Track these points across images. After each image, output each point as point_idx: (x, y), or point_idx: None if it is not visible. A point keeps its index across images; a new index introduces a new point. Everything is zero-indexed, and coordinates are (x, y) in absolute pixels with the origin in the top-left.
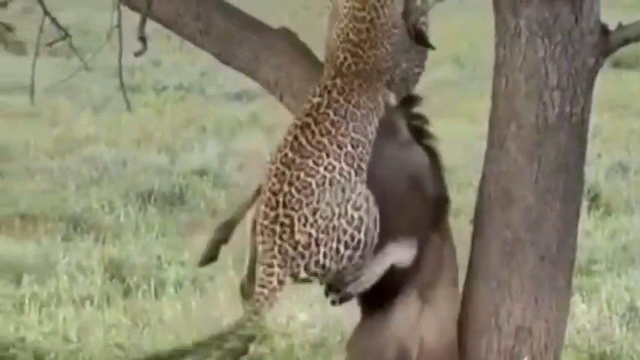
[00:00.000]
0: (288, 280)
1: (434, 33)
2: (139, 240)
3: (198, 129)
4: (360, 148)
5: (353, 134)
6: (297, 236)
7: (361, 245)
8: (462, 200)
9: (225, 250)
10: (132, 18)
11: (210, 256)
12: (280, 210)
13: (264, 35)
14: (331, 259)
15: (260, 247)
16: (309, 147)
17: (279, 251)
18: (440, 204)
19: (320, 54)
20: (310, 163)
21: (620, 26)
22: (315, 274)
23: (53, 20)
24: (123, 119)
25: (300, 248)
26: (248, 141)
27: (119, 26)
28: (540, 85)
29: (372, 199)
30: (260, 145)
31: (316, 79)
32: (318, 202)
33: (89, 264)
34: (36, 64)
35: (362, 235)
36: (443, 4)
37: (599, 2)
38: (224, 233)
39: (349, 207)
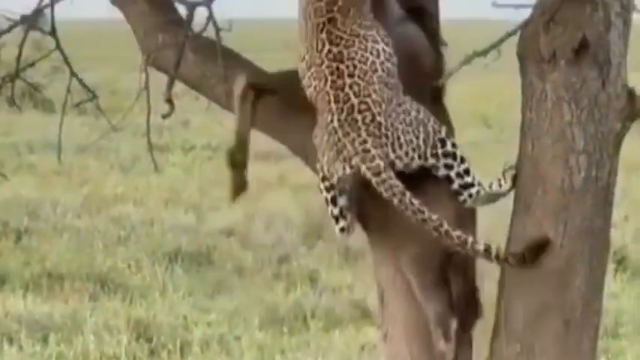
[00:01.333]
0: (384, 163)
1: (462, 94)
2: (166, 300)
3: (226, 189)
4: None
5: (371, 15)
6: (378, 118)
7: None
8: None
9: (251, 311)
10: (160, 78)
11: (240, 187)
12: (354, 100)
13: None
14: (417, 137)
15: (346, 141)
16: (346, 36)
17: (368, 134)
18: (438, 78)
19: None
20: (357, 50)
21: None
22: (407, 155)
23: (80, 81)
24: (151, 179)
25: (383, 129)
26: (275, 201)
27: (147, 87)
28: (566, 149)
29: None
30: (287, 205)
31: None
32: (377, 86)
33: (116, 323)
34: (64, 123)
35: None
36: (470, 65)
37: (625, 67)
38: (242, 157)
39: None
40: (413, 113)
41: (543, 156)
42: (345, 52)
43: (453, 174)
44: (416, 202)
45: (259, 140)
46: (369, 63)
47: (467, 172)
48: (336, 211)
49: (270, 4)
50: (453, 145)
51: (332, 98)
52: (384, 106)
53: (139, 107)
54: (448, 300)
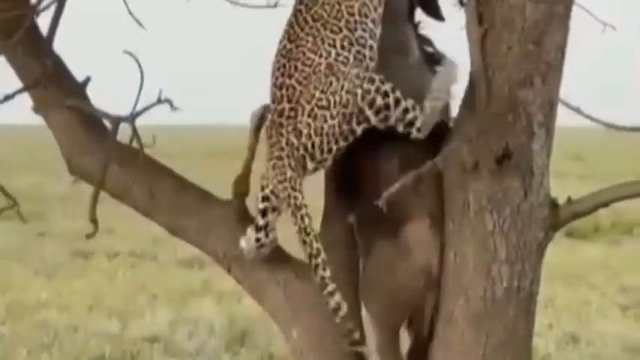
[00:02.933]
0: (299, 171)
1: None
2: None
3: (150, 296)
4: (360, 31)
5: (348, 16)
6: (299, 126)
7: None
8: None
9: None
10: (85, 184)
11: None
12: (285, 104)
13: (213, 207)
14: (329, 149)
15: (269, 143)
16: (302, 35)
17: (287, 143)
18: (441, 132)
19: None
20: (305, 51)
21: (569, 200)
22: (323, 162)
23: (1, 188)
24: (75, 285)
25: (303, 139)
26: (199, 308)
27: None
28: (489, 259)
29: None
30: (211, 312)
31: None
32: (315, 91)
33: None
34: None
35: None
36: None
37: (548, 176)
38: (244, 186)
39: (343, 93)
40: (337, 97)
41: (465, 265)
42: (293, 49)
43: (392, 122)
44: (307, 221)
45: (183, 247)
46: (314, 65)
47: (405, 111)
48: (261, 222)
49: (193, 111)
50: (385, 95)
51: (273, 96)
52: (315, 111)
53: (63, 213)
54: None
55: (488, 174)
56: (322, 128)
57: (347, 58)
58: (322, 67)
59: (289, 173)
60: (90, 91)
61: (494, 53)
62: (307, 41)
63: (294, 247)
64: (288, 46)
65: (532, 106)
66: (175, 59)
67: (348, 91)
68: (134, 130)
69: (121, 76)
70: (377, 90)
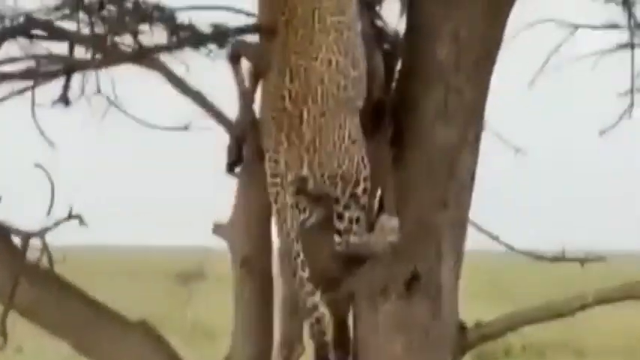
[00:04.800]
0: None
1: None
2: None
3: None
4: (346, 32)
5: (332, 18)
6: (304, 128)
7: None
8: None
9: None
10: None
11: (235, 160)
12: (287, 104)
13: (121, 328)
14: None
15: (265, 140)
16: (300, 40)
17: (287, 139)
18: (383, 110)
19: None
20: (307, 57)
21: (478, 324)
22: (322, 177)
23: None
24: None
25: (306, 142)
26: None
27: None
28: None
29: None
30: None
31: None
32: (318, 98)
33: None
34: None
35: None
36: None
37: (457, 299)
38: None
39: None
40: (347, 141)
41: None
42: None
43: (347, 215)
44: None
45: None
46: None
47: (357, 220)
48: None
49: (104, 232)
50: (364, 191)
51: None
52: (319, 119)
53: None
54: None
55: (397, 297)
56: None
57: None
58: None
59: (280, 192)
60: None
61: (403, 175)
62: (306, 47)
63: None
64: (287, 54)
65: (442, 229)
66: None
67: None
68: (44, 246)
69: (32, 192)
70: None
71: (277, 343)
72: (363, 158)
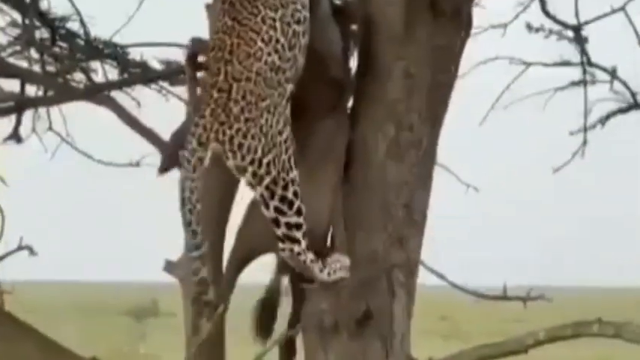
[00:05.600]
0: (213, 145)
1: None
2: None
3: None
4: (292, 6)
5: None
6: (231, 105)
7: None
8: None
9: None
10: None
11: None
12: (221, 77)
13: None
14: (256, 142)
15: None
16: (245, 13)
17: (211, 114)
18: (341, 89)
19: None
20: (247, 30)
21: None
22: (234, 155)
23: None
24: None
25: (232, 119)
26: None
27: None
28: None
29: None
30: None
31: None
32: (251, 74)
33: None
34: None
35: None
36: None
37: (409, 337)
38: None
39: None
40: (274, 131)
41: None
42: (237, 27)
43: (282, 220)
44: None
45: None
46: (254, 48)
47: (298, 227)
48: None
49: (56, 267)
50: (295, 194)
51: (210, 69)
52: (248, 97)
53: None
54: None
55: (349, 335)
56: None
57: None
58: (263, 55)
59: (203, 136)
60: None
61: (355, 213)
62: (249, 20)
63: None
64: (230, 23)
65: (394, 267)
66: (40, 215)
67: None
68: None
69: None
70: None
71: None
72: (290, 159)
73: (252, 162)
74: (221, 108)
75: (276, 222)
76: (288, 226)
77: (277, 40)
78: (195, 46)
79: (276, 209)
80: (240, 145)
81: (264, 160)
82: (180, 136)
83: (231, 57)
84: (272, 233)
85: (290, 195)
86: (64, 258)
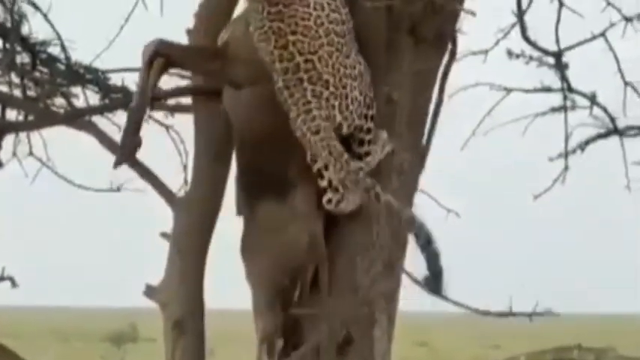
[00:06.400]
0: (326, 124)
1: None
2: None
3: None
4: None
5: None
6: (325, 76)
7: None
8: None
9: None
10: None
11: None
12: (298, 58)
13: None
14: (361, 93)
15: (290, 102)
16: None
17: (313, 94)
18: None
19: None
20: (297, 7)
21: None
22: (351, 115)
23: None
24: None
25: (331, 88)
26: None
27: None
28: None
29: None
30: None
31: None
32: (325, 40)
33: None
34: None
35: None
36: None
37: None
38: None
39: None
40: (357, 67)
41: None
42: (284, 10)
43: (366, 138)
44: (353, 164)
45: None
46: (312, 18)
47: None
48: (324, 183)
49: (36, 293)
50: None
51: (276, 58)
52: (330, 61)
53: None
54: (275, 321)
55: (330, 359)
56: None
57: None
58: (323, 19)
59: (321, 123)
60: None
61: (337, 241)
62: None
63: None
64: (274, 9)
65: (376, 294)
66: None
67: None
68: None
69: None
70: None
71: (259, 339)
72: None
73: (359, 108)
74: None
75: (361, 142)
76: (369, 142)
77: None
78: (163, 48)
79: (368, 130)
80: (347, 106)
81: (362, 97)
82: (137, 115)
83: None
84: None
85: (373, 111)
86: (43, 283)
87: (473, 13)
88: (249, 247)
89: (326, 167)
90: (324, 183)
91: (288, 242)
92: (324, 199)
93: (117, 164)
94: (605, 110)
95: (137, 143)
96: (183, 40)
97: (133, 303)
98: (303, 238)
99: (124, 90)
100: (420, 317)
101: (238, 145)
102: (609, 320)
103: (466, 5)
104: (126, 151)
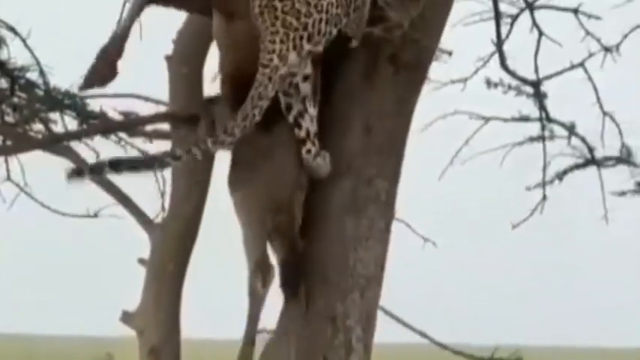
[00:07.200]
0: (291, 56)
1: None
2: None
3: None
4: None
5: None
6: (297, 5)
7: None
8: None
9: None
10: None
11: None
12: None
13: None
14: (331, 23)
15: (262, 28)
16: None
17: (283, 25)
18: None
19: None
20: None
21: None
22: (318, 44)
23: None
24: None
25: (302, 18)
26: None
27: None
28: None
29: None
30: None
31: None
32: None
33: None
34: None
35: None
36: None
37: None
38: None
39: None
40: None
41: None
42: None
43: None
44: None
45: None
46: None
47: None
48: (302, 134)
49: (11, 319)
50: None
51: None
52: None
53: None
54: (265, 251)
55: None
56: (322, 5)
57: None
58: None
59: (275, 61)
60: None
61: (313, 267)
62: None
63: None
64: None
65: (351, 321)
66: None
67: None
68: None
69: None
70: None
71: (251, 269)
72: None
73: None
74: None
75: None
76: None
77: None
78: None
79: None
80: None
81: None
82: (107, 51)
83: None
84: None
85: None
86: (18, 310)
87: (449, 53)
88: (236, 180)
89: (301, 115)
90: (302, 133)
91: (275, 167)
92: (304, 149)
93: (83, 88)
94: (583, 140)
95: (113, 73)
96: (163, 68)
97: (109, 332)
98: (289, 162)
99: (102, 116)
100: (402, 347)
101: (230, 79)
102: (585, 353)
103: (445, 33)
104: (98, 76)
